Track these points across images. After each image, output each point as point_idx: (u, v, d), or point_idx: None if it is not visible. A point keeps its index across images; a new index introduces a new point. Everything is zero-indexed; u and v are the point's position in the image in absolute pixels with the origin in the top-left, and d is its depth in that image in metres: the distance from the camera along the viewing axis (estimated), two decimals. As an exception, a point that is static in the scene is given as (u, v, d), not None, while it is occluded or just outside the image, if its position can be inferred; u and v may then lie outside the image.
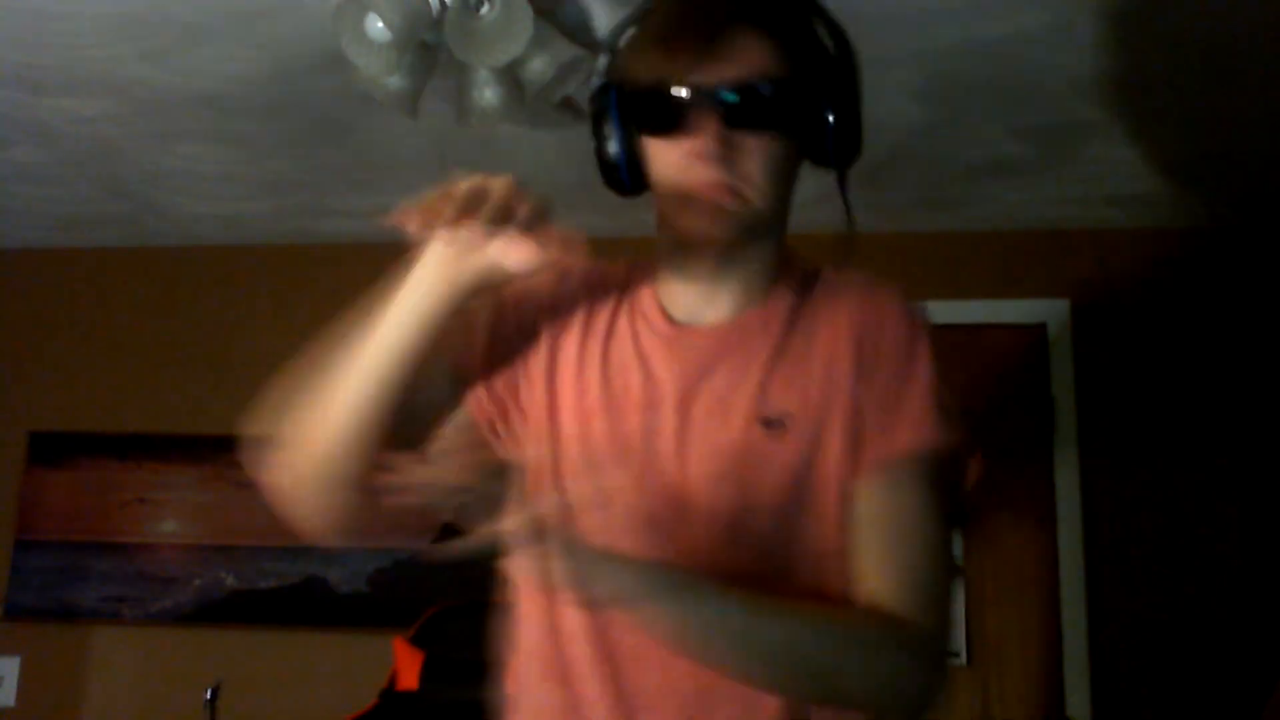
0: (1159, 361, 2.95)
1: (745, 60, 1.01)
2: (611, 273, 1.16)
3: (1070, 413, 2.94)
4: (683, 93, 1.00)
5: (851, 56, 1.09)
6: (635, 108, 1.05)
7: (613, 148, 1.07)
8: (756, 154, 1.02)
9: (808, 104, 1.05)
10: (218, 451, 3.23)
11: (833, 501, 1.03)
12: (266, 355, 3.83)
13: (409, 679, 2.45)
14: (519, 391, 1.12)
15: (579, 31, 2.04)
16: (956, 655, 2.87)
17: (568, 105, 2.10)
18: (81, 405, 3.35)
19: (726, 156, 1.01)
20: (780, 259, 1.14)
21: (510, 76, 1.96)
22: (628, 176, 1.08)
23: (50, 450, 3.33)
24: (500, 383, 1.12)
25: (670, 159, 1.03)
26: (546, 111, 2.09)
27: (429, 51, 1.97)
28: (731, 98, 1.00)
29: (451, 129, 2.37)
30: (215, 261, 3.39)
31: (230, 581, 3.16)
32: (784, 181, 1.08)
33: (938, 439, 1.03)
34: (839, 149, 1.10)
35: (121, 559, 3.22)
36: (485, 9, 1.78)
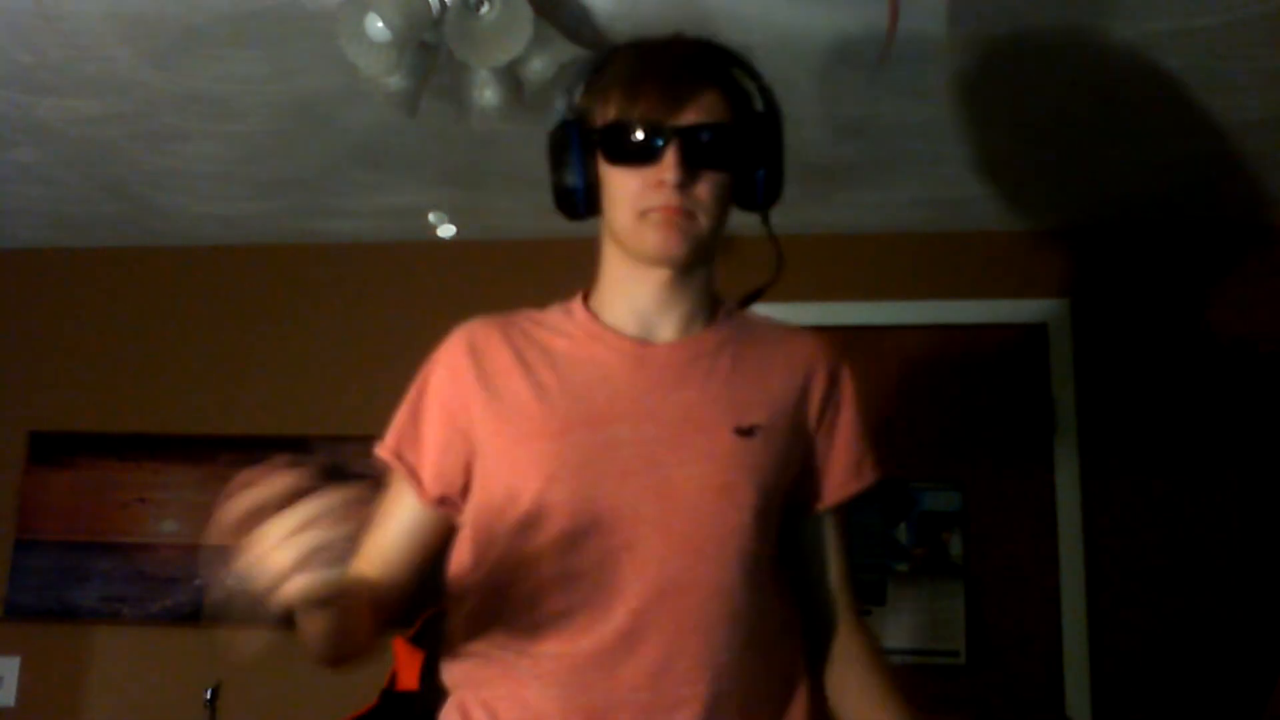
0: (1160, 361, 2.95)
1: (702, 108, 1.21)
2: (515, 321, 1.32)
3: (1070, 413, 2.94)
4: (652, 129, 1.19)
5: (779, 116, 1.29)
6: (604, 141, 1.23)
7: (574, 177, 1.26)
8: (707, 185, 1.21)
9: (747, 150, 1.25)
10: (218, 451, 3.24)
11: (777, 506, 1.26)
12: (266, 355, 3.83)
13: (409, 679, 2.45)
14: (473, 467, 1.28)
15: (579, 31, 2.04)
16: (956, 655, 2.87)
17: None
18: (81, 405, 3.34)
19: (685, 185, 1.19)
20: (714, 287, 1.33)
21: (510, 76, 1.96)
22: (585, 202, 1.26)
23: (50, 450, 3.33)
24: (455, 472, 1.29)
25: (633, 186, 1.21)
26: (547, 111, 2.09)
27: (429, 51, 1.97)
28: (694, 136, 1.19)
29: (451, 128, 2.37)
30: (215, 261, 3.39)
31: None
32: (724, 212, 1.26)
33: (876, 479, 1.34)
34: (767, 193, 1.30)
35: (121, 559, 3.22)
36: (485, 9, 1.78)
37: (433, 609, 2.61)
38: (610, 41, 2.09)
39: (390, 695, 2.48)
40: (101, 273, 3.44)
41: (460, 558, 1.29)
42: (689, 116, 1.20)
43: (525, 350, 1.28)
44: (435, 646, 2.50)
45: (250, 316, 3.34)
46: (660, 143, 1.19)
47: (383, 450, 1.31)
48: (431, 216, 3.09)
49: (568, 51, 1.92)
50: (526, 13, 1.78)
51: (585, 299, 1.33)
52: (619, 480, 1.20)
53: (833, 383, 1.32)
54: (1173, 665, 2.78)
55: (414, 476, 1.29)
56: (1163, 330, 2.97)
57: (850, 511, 1.34)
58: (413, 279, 3.25)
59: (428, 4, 1.80)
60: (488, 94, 1.99)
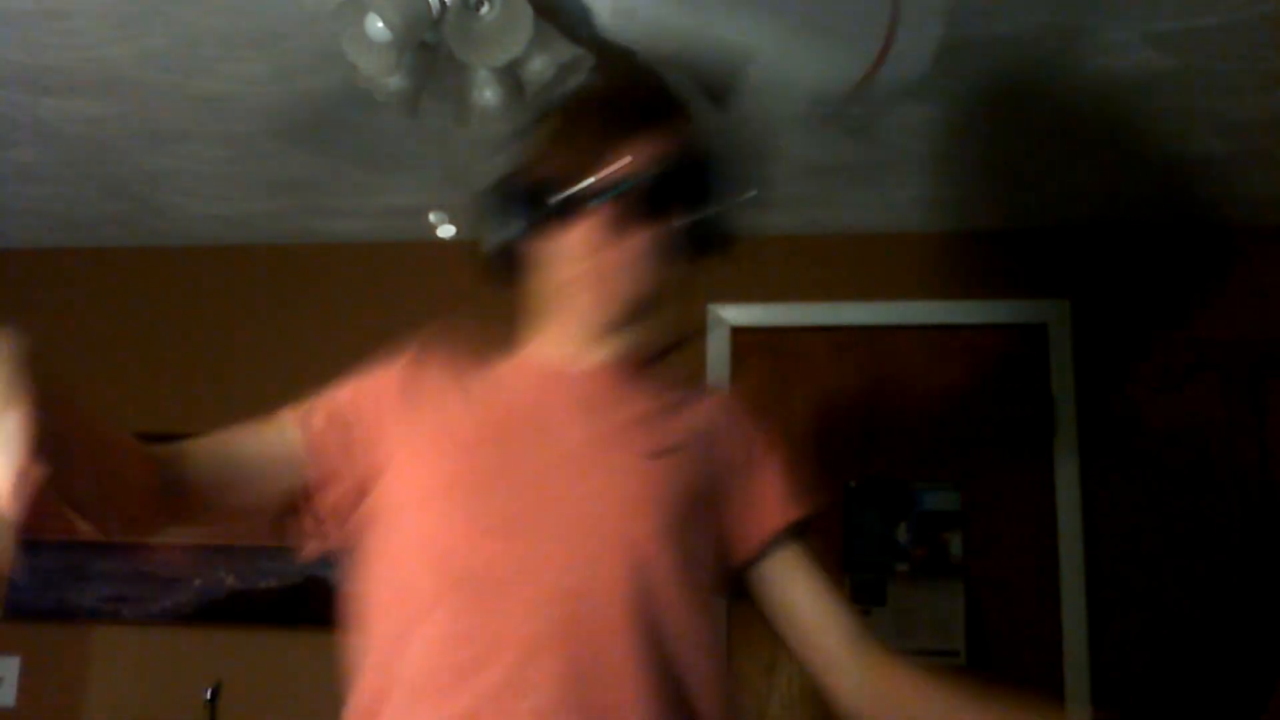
0: (1159, 361, 2.95)
1: (629, 161, 1.14)
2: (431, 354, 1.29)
3: (1070, 413, 2.94)
4: (574, 190, 1.14)
5: (710, 159, 1.22)
6: (528, 203, 1.18)
7: (508, 232, 1.20)
8: (631, 244, 1.16)
9: (679, 199, 1.18)
10: (218, 451, 3.24)
11: (696, 539, 1.15)
12: (266, 355, 3.81)
13: (409, 679, 2.45)
14: (371, 478, 1.23)
15: (579, 31, 2.04)
16: (956, 655, 2.87)
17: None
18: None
19: (611, 244, 1.15)
20: (656, 335, 1.26)
21: (510, 76, 1.96)
22: (509, 268, 1.23)
23: (50, 450, 3.33)
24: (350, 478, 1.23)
25: (556, 249, 1.18)
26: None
27: (429, 51, 1.97)
28: (613, 194, 1.14)
29: (451, 129, 2.37)
30: (215, 261, 3.39)
31: (230, 581, 3.16)
32: (661, 266, 1.19)
33: (808, 511, 1.24)
34: (705, 240, 1.21)
35: (121, 559, 3.22)
36: (485, 9, 1.78)
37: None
38: (609, 42, 2.09)
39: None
40: (101, 273, 3.44)
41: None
42: (614, 174, 1.14)
43: (458, 376, 1.25)
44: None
45: (250, 316, 3.34)
46: (585, 202, 1.14)
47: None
48: (431, 216, 3.09)
49: (568, 51, 1.92)
50: (526, 13, 1.78)
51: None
52: (509, 497, 1.14)
53: (746, 432, 1.25)
54: (1173, 665, 2.78)
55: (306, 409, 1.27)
56: (1163, 330, 2.97)
57: (809, 553, 1.25)
58: (413, 279, 3.24)
59: (428, 4, 1.80)
60: (488, 94, 1.99)
